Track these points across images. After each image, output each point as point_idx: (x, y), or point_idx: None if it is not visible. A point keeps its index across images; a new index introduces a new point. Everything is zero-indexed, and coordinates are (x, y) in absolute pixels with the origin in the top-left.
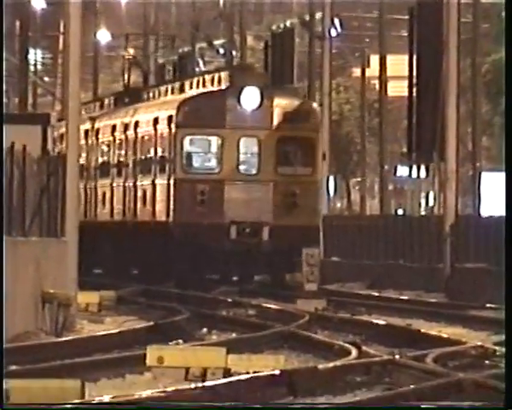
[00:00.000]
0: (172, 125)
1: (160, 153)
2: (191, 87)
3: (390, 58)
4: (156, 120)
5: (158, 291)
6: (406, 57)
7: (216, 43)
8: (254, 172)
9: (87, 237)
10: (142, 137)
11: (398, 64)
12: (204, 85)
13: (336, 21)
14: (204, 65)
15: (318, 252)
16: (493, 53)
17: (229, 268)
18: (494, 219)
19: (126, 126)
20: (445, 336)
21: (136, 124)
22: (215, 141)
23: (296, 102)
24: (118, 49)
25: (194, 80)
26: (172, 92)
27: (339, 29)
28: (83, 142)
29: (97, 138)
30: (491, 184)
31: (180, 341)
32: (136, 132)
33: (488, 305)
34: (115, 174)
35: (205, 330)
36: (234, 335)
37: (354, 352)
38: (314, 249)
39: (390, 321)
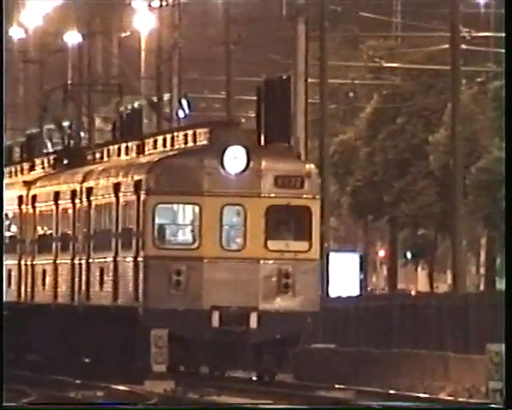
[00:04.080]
0: (141, 192)
1: (123, 225)
2: (155, 147)
3: None
4: (118, 186)
5: (10, 374)
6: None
7: (64, 124)
8: (240, 247)
9: (21, 320)
10: (98, 207)
11: None
12: (172, 145)
13: (184, 102)
14: (52, 146)
15: (167, 333)
16: (341, 133)
17: (206, 362)
18: (342, 299)
19: (74, 194)
20: None
21: (89, 191)
22: (193, 210)
23: (289, 163)
24: None
25: (160, 139)
26: (127, 153)
27: (187, 110)
28: (16, 209)
29: (34, 207)
30: (339, 265)
31: None
32: (88, 201)
33: (337, 386)
34: (59, 249)
35: None
36: None
37: None
38: (162, 331)
39: (238, 401)
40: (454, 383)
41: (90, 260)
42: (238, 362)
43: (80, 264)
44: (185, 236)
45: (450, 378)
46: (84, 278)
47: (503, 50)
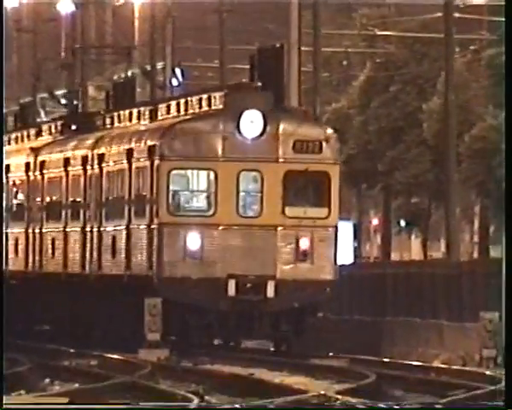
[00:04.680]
0: (155, 158)
1: (136, 192)
2: (168, 112)
3: None
4: (130, 152)
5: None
6: None
7: (57, 93)
8: (256, 214)
9: (28, 289)
10: (110, 173)
11: None
12: (186, 111)
13: (177, 71)
14: (45, 115)
15: (160, 301)
16: (334, 102)
17: (220, 332)
18: (342, 268)
19: (85, 160)
20: (287, 385)
21: (101, 157)
22: (208, 176)
23: (308, 128)
24: None
25: (173, 104)
26: (139, 118)
27: (180, 78)
28: (23, 176)
29: (42, 173)
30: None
31: (22, 391)
32: (100, 167)
33: (330, 354)
34: (69, 217)
35: (47, 380)
36: (76, 385)
37: (196, 401)
38: (156, 299)
39: (233, 371)
40: (448, 350)
41: (102, 228)
42: (254, 332)
43: (92, 232)
44: (200, 202)
45: (444, 346)
46: (95, 246)
47: (497, 18)
